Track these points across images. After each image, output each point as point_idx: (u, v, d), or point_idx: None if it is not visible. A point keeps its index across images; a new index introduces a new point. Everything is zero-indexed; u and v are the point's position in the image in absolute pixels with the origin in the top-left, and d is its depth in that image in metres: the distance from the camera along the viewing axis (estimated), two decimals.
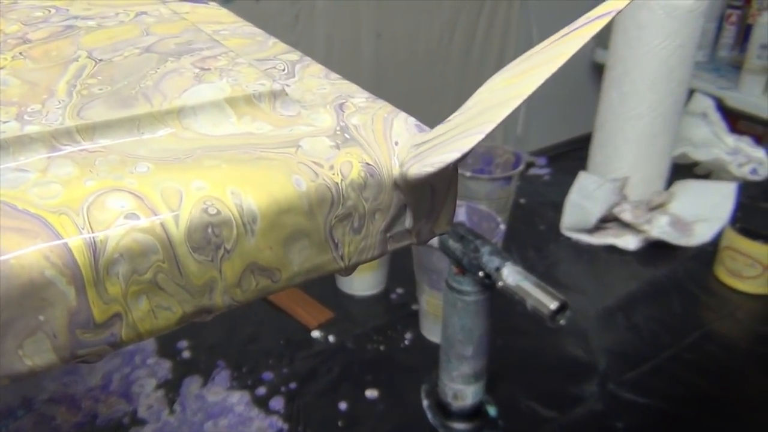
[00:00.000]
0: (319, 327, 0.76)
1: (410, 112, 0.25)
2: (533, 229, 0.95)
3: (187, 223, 0.18)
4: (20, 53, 0.23)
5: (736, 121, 1.29)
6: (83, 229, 0.17)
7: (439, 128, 0.21)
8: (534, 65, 0.20)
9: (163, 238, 0.18)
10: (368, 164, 0.20)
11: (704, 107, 1.09)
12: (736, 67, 1.37)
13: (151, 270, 0.18)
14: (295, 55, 0.27)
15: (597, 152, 0.98)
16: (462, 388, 0.63)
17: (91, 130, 0.19)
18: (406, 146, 0.21)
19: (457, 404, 0.64)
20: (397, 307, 0.80)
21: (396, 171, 0.21)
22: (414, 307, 0.79)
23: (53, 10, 0.27)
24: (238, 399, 0.67)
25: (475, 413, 0.65)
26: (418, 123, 0.23)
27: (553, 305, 0.54)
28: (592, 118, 0.99)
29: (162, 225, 0.18)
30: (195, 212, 0.18)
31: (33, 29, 0.25)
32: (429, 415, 0.66)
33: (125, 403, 0.66)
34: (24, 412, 0.64)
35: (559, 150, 1.15)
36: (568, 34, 0.20)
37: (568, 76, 1.47)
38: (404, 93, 1.28)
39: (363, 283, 0.81)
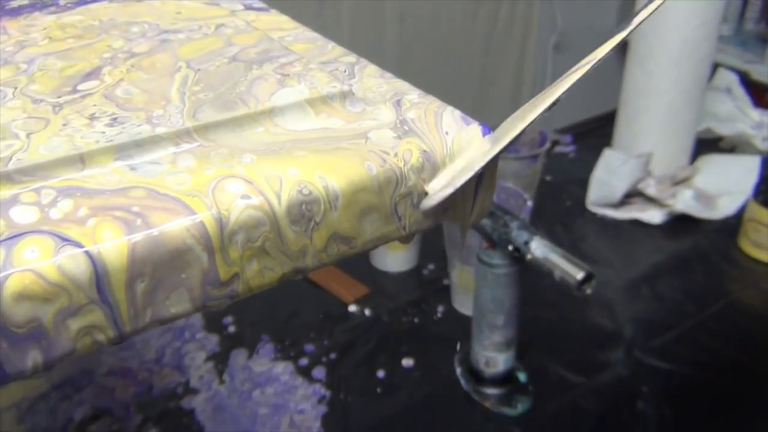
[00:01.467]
0: (356, 302, 0.82)
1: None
2: (560, 206, 0.99)
3: (287, 202, 0.23)
4: (132, 66, 0.28)
5: (762, 94, 1.32)
6: (212, 208, 0.22)
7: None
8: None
9: (270, 213, 0.23)
10: (425, 151, 0.26)
11: (728, 82, 1.13)
12: (762, 41, 1.40)
13: (261, 238, 0.23)
14: (352, 58, 0.32)
15: (622, 129, 1.02)
16: (494, 356, 0.69)
17: (204, 129, 0.25)
18: (457, 139, 0.26)
19: (489, 371, 0.70)
20: (429, 282, 0.86)
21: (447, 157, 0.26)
22: (445, 281, 0.84)
23: (146, 26, 0.32)
24: (283, 369, 0.73)
25: (507, 379, 0.70)
26: (463, 115, 0.28)
27: (579, 275, 0.59)
28: (616, 95, 1.03)
29: (269, 203, 0.23)
30: (292, 193, 0.23)
31: (135, 44, 0.31)
32: (462, 382, 0.71)
33: (178, 374, 0.73)
34: (86, 383, 0.71)
35: (584, 128, 1.20)
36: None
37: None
38: (428, 75, 1.32)
39: (396, 260, 0.87)
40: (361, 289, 0.84)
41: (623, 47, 1.04)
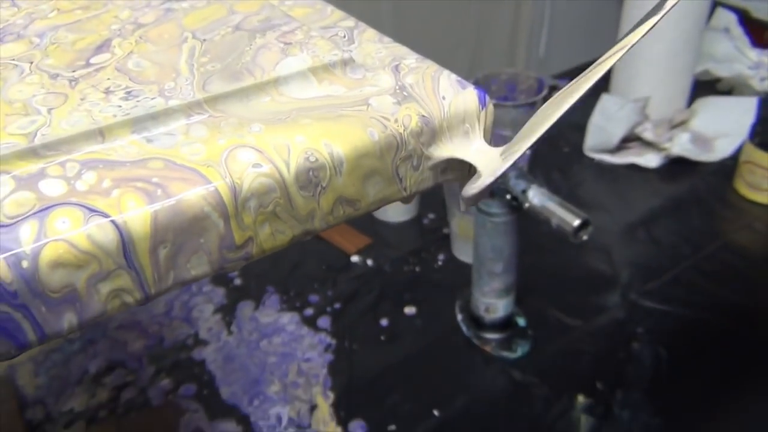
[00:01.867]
0: (358, 252, 0.84)
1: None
2: (557, 152, 1.01)
3: (295, 169, 0.25)
4: (140, 37, 0.30)
5: (762, 32, 1.32)
6: (226, 177, 0.24)
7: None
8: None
9: (279, 180, 0.25)
10: (423, 116, 0.27)
11: (727, 22, 1.13)
12: None
13: (272, 204, 0.25)
14: (351, 22, 0.33)
15: (618, 73, 1.03)
16: (493, 302, 0.71)
17: (214, 100, 0.26)
18: (454, 102, 0.27)
19: (489, 317, 0.72)
20: (429, 231, 0.88)
21: (444, 121, 0.28)
22: (445, 230, 0.86)
23: None
24: (289, 319, 0.76)
25: (506, 324, 0.73)
26: (459, 79, 0.29)
27: (575, 222, 0.61)
28: (613, 39, 1.03)
29: (278, 171, 0.25)
30: (300, 160, 0.25)
31: (140, 14, 0.32)
32: (463, 328, 0.74)
33: (187, 326, 0.76)
34: (99, 337, 0.74)
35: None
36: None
37: None
38: (424, 23, 1.32)
39: (396, 211, 0.89)
40: (363, 239, 0.86)
41: None
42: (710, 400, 0.65)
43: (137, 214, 0.23)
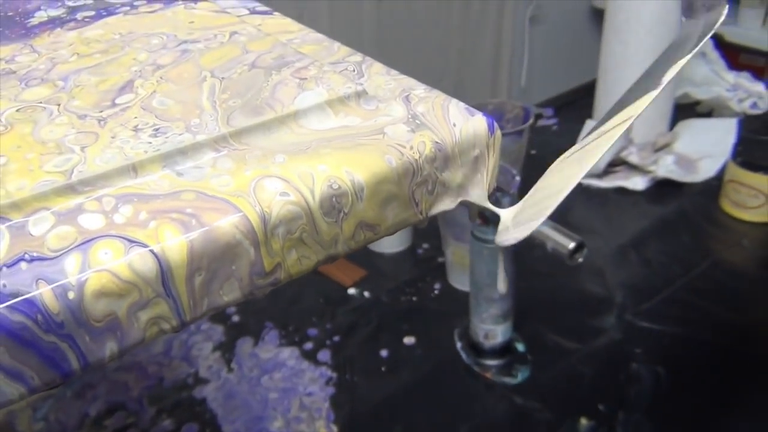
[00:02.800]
0: (354, 285, 0.86)
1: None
2: None
3: (320, 196, 0.27)
4: (161, 77, 0.31)
5: (737, 55, 1.37)
6: (255, 205, 0.25)
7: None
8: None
9: (305, 207, 0.26)
10: (437, 142, 0.29)
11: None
12: (734, 1, 1.44)
13: (298, 230, 0.27)
14: (358, 57, 0.35)
15: (602, 99, 1.06)
16: (492, 328, 0.73)
17: (238, 134, 0.28)
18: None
19: (488, 343, 0.74)
20: (424, 260, 0.90)
21: (456, 146, 0.30)
22: (440, 259, 0.88)
23: (165, 37, 0.35)
24: (289, 354, 0.77)
25: (506, 350, 0.75)
26: (467, 106, 0.31)
27: (571, 245, 0.63)
28: (595, 65, 1.07)
29: (304, 198, 0.26)
30: (324, 188, 0.27)
31: (158, 55, 0.33)
32: (463, 355, 0.75)
33: (187, 365, 0.76)
34: (98, 379, 0.74)
35: (564, 100, 1.24)
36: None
37: (568, 24, 1.54)
38: (407, 54, 1.35)
39: (391, 241, 0.90)
40: (359, 271, 0.87)
41: (600, 19, 1.08)
42: (709, 418, 0.67)
43: (174, 243, 0.24)
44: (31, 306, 0.22)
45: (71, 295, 0.22)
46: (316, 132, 0.29)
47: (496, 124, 0.31)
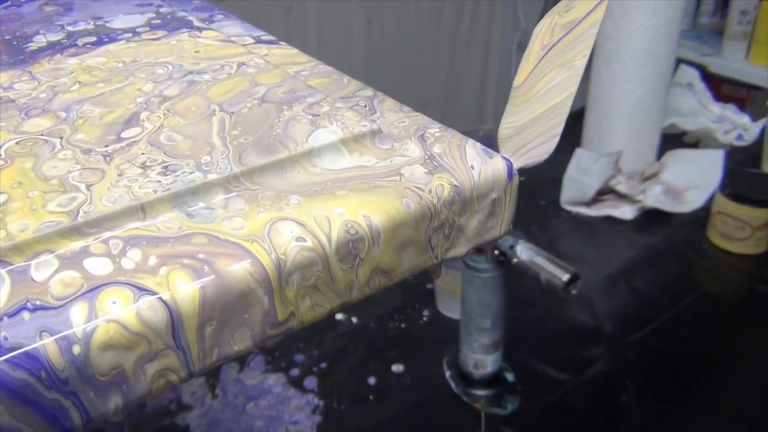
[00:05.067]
0: (342, 310, 0.84)
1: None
2: (534, 205, 1.03)
3: (336, 242, 0.25)
4: (168, 110, 0.30)
5: (719, 86, 1.38)
6: (271, 252, 0.24)
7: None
8: None
9: (322, 253, 0.25)
10: (455, 186, 0.28)
11: (690, 78, 1.18)
12: (718, 33, 1.46)
13: (313, 277, 0.25)
14: (369, 92, 0.34)
15: (591, 128, 1.06)
16: (482, 358, 0.72)
17: (251, 173, 0.27)
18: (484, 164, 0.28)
19: (478, 373, 0.72)
20: (412, 287, 0.88)
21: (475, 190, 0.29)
22: (428, 286, 0.87)
23: (170, 67, 0.34)
24: (275, 381, 0.75)
25: (495, 380, 0.73)
26: (484, 147, 0.30)
27: (565, 277, 0.62)
28: (584, 95, 1.07)
29: (320, 244, 0.25)
30: (341, 233, 0.25)
31: (164, 86, 0.32)
32: (452, 385, 0.74)
33: (170, 391, 0.74)
34: None
35: None
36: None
37: None
38: (395, 78, 1.35)
39: None
40: None
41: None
42: None
43: (186, 291, 0.23)
44: (34, 361, 0.20)
45: (77, 349, 0.21)
46: (331, 172, 0.28)
47: (515, 168, 0.30)
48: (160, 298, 0.22)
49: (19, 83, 0.32)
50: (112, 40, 0.36)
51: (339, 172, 0.28)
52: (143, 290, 0.22)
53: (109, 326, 0.21)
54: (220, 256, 0.24)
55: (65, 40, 0.36)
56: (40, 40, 0.36)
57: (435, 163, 0.29)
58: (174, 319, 0.22)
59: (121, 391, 0.22)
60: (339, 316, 0.83)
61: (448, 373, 0.75)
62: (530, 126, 0.30)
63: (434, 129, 0.31)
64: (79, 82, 0.32)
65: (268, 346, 0.23)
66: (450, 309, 0.83)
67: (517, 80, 0.32)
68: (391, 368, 0.76)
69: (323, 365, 0.77)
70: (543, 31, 0.34)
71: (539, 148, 0.28)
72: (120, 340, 0.22)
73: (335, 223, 0.26)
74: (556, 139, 0.28)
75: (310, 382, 0.75)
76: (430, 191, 0.28)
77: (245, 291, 0.24)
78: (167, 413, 0.71)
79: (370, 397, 0.73)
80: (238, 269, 0.24)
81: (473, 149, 0.30)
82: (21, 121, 0.29)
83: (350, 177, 0.28)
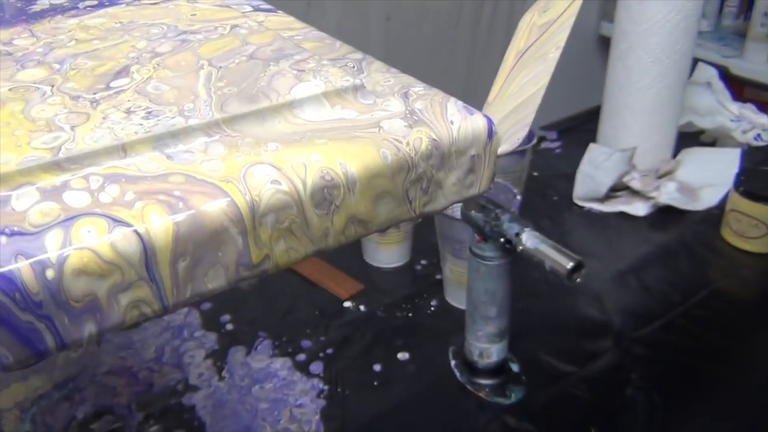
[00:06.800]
0: (351, 298, 0.85)
1: None
2: (547, 200, 1.03)
3: (311, 187, 0.26)
4: (158, 64, 0.31)
5: (742, 88, 1.36)
6: (245, 193, 0.25)
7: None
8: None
9: (296, 197, 0.26)
10: (434, 140, 0.29)
11: (708, 76, 1.17)
12: (740, 35, 1.44)
13: (288, 220, 0.26)
14: (359, 55, 0.35)
15: (606, 124, 1.06)
16: (487, 347, 0.72)
17: (231, 121, 0.28)
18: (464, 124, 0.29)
19: (483, 362, 0.72)
20: (421, 277, 0.89)
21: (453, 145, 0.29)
22: (438, 276, 0.87)
23: (165, 27, 0.35)
24: (281, 365, 0.76)
25: (500, 370, 0.73)
26: (465, 105, 0.31)
27: (569, 264, 0.62)
28: (600, 91, 1.07)
29: (295, 188, 0.26)
30: (316, 178, 0.26)
31: (157, 44, 0.33)
32: (457, 373, 0.74)
33: (178, 372, 0.75)
34: (87, 382, 0.73)
35: (568, 124, 1.23)
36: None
37: (574, 49, 1.54)
38: (413, 74, 1.35)
39: (389, 256, 0.89)
40: (356, 285, 0.86)
41: (606, 46, 1.08)
42: None
43: (160, 225, 0.23)
44: (9, 283, 0.21)
45: (50, 273, 0.22)
46: (311, 123, 0.29)
47: (495, 127, 0.30)
48: (135, 231, 0.23)
49: (18, 39, 0.33)
50: (113, 3, 0.38)
51: (319, 123, 0.29)
52: (118, 221, 0.23)
53: (82, 253, 0.22)
54: (195, 194, 0.24)
55: (68, 3, 0.38)
56: (43, 3, 0.37)
57: (415, 117, 0.29)
58: (147, 251, 0.23)
59: (95, 318, 0.23)
60: (347, 304, 0.84)
61: (453, 362, 0.75)
62: (505, 118, 0.31)
63: (418, 88, 0.32)
64: (76, 39, 0.33)
65: (243, 287, 0.24)
66: (457, 299, 0.83)
67: (492, 92, 0.33)
68: (396, 356, 0.77)
69: (329, 351, 0.77)
70: (519, 36, 0.35)
71: (511, 138, 0.29)
72: (93, 268, 0.22)
73: (311, 169, 0.26)
74: (527, 129, 0.29)
75: (316, 367, 0.75)
76: (408, 143, 0.28)
77: (219, 229, 0.24)
78: (174, 393, 0.72)
79: (375, 384, 0.73)
80: (212, 207, 0.24)
81: (454, 106, 0.30)
82: (16, 72, 0.30)
83: (330, 128, 0.28)
